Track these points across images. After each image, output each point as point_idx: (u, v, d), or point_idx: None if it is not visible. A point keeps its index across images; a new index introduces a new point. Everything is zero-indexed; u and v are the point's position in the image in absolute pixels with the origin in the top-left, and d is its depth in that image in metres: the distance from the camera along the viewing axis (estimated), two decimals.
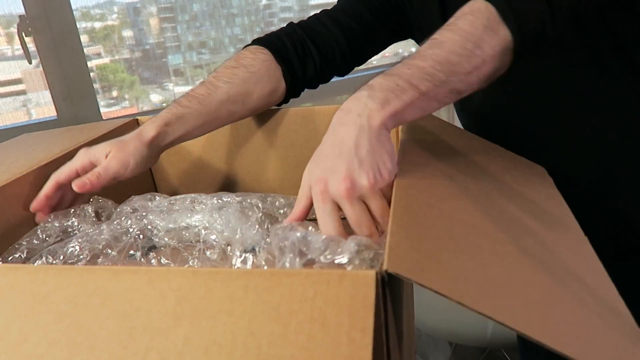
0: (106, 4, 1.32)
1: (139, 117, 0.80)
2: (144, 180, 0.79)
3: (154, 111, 1.41)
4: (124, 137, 0.60)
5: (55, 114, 1.16)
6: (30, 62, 1.10)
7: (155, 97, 1.47)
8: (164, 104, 1.46)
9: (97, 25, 1.32)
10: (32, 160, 0.60)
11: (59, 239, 0.54)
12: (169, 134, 0.61)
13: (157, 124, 0.60)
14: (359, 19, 0.73)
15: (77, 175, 0.56)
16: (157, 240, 0.53)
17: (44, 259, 0.49)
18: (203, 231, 0.53)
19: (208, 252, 0.50)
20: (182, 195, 0.58)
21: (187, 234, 0.53)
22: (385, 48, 0.78)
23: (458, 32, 0.47)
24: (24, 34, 1.08)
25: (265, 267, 0.44)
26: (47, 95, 1.18)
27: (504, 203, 0.49)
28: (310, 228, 0.42)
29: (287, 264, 0.40)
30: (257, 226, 0.51)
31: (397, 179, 0.44)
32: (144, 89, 1.44)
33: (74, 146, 0.65)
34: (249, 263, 0.49)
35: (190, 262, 0.50)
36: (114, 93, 1.37)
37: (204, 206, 0.55)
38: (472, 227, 0.42)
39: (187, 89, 1.47)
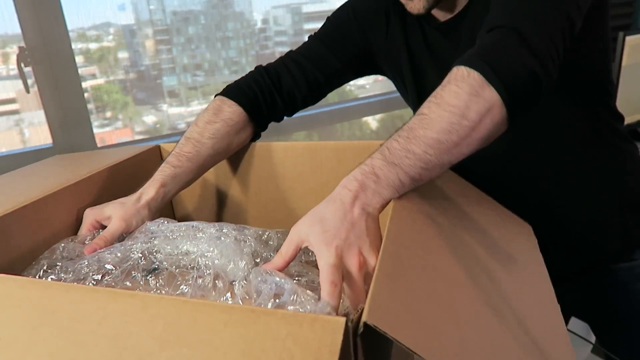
0: (102, 25, 1.33)
1: (161, 144, 0.85)
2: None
3: (149, 131, 1.42)
4: (125, 200, 0.66)
5: (51, 142, 1.16)
6: (28, 92, 1.11)
7: (149, 118, 1.47)
8: (158, 125, 1.46)
9: (93, 46, 1.33)
10: (61, 178, 0.67)
11: (76, 256, 0.58)
12: (165, 193, 0.69)
13: (156, 186, 0.68)
14: (323, 65, 0.81)
15: (91, 231, 0.64)
16: (157, 263, 0.56)
17: (56, 273, 0.54)
18: (199, 259, 0.56)
19: (200, 280, 0.53)
20: (186, 222, 0.61)
21: (184, 260, 0.56)
22: (346, 83, 0.89)
23: (444, 106, 0.51)
24: (22, 65, 1.09)
25: (241, 304, 0.48)
26: (40, 115, 1.18)
27: (487, 261, 0.51)
28: (285, 279, 0.46)
29: (261, 305, 0.44)
30: (245, 261, 0.55)
31: (389, 223, 0.46)
32: (138, 110, 1.44)
33: (102, 167, 0.71)
34: (229, 296, 0.52)
35: (182, 287, 0.53)
36: (108, 114, 1.38)
37: (203, 234, 0.59)
38: (453, 285, 0.43)
39: (181, 110, 1.49)
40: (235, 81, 0.81)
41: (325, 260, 0.44)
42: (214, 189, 0.85)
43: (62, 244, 0.59)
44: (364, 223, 0.48)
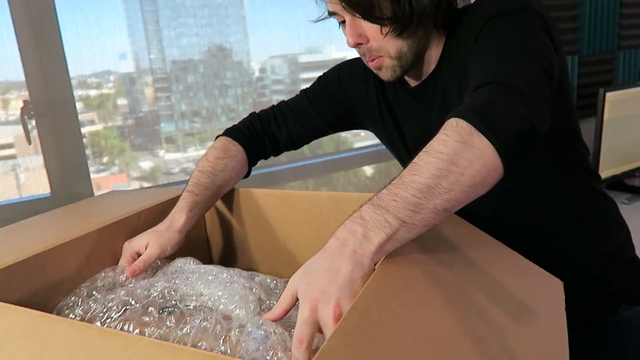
0: (103, 73, 1.36)
1: None
2: (199, 241, 0.95)
3: (145, 177, 1.43)
4: (158, 228, 0.75)
5: (49, 191, 1.17)
6: (30, 143, 1.13)
7: (146, 164, 1.48)
8: (154, 171, 1.47)
9: (93, 93, 1.35)
10: (108, 214, 0.77)
11: (114, 286, 0.67)
12: (192, 218, 0.78)
13: (185, 212, 0.77)
14: (305, 119, 0.93)
15: (130, 263, 0.71)
16: (173, 302, 0.61)
17: (88, 303, 0.61)
18: (209, 302, 0.60)
19: (204, 323, 0.55)
20: (205, 265, 0.68)
21: (196, 302, 0.61)
22: (326, 135, 0.99)
23: (432, 153, 0.52)
24: (26, 117, 1.11)
25: (229, 351, 0.51)
26: (36, 160, 1.18)
27: (495, 315, 0.48)
28: (273, 330, 0.49)
29: (242, 356, 0.48)
30: (246, 309, 0.59)
31: (369, 280, 0.46)
32: (134, 156, 1.45)
33: (143, 207, 0.80)
34: (221, 342, 0.54)
35: (186, 328, 0.55)
36: (104, 159, 1.38)
37: (215, 278, 0.63)
38: (428, 344, 0.41)
39: (177, 155, 1.50)
40: (234, 125, 0.93)
41: (299, 315, 0.46)
42: (240, 233, 0.93)
43: (103, 274, 0.68)
44: (349, 274, 0.47)
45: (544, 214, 0.79)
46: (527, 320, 0.50)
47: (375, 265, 0.51)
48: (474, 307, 0.48)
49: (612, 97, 1.72)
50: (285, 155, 1.01)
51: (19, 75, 1.11)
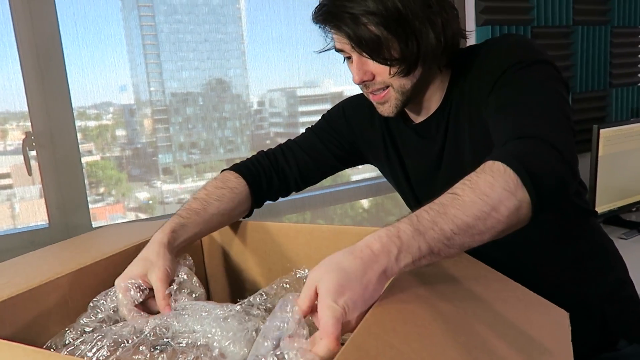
0: (103, 104, 1.37)
1: None
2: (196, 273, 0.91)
3: (141, 207, 1.42)
4: (146, 255, 0.70)
5: (47, 221, 1.16)
6: (30, 174, 1.13)
7: (142, 195, 1.47)
8: (150, 202, 1.46)
9: (92, 124, 1.36)
10: (105, 248, 0.77)
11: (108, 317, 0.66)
12: (176, 238, 0.74)
13: (166, 232, 0.73)
14: (313, 152, 0.93)
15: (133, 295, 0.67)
16: (165, 340, 0.60)
17: (76, 346, 0.59)
18: (202, 339, 0.58)
19: None
20: (198, 302, 0.66)
21: (189, 339, 0.59)
22: (335, 173, 1.00)
23: (478, 193, 0.53)
24: (27, 148, 1.12)
25: None
26: (31, 190, 1.18)
27: (499, 348, 0.48)
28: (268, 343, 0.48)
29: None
30: (241, 345, 0.57)
31: (369, 313, 0.46)
32: (131, 186, 1.45)
33: (142, 240, 0.77)
34: None
35: None
36: (101, 189, 1.38)
37: (208, 315, 0.61)
38: None
39: (175, 186, 1.50)
40: (241, 161, 0.93)
41: (332, 313, 0.45)
42: (244, 263, 0.92)
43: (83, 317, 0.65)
44: (371, 293, 0.48)
45: (540, 252, 0.79)
46: (532, 352, 0.49)
47: None
48: (476, 340, 0.48)
49: (606, 134, 1.75)
50: None
51: (21, 107, 1.12)
